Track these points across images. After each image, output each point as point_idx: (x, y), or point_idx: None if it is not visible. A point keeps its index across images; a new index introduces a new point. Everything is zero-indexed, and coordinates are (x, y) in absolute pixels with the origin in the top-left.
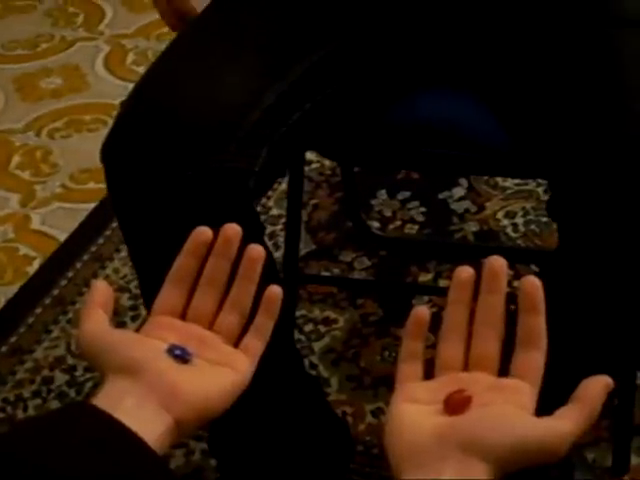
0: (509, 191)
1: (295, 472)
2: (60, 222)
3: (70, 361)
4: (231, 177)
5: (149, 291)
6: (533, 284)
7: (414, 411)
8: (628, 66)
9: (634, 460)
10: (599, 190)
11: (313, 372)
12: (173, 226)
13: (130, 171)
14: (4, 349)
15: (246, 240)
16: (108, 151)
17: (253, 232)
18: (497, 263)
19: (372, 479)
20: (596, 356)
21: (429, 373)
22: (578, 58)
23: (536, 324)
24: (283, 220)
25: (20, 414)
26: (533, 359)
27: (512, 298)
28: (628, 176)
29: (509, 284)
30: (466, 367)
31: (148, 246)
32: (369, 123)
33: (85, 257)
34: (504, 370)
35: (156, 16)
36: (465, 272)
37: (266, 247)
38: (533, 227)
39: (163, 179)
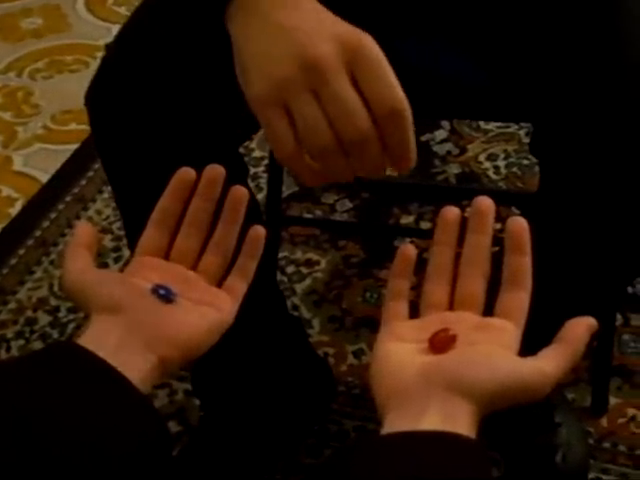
0: (491, 134)
1: (277, 412)
2: (42, 163)
3: (53, 302)
4: (216, 119)
5: (133, 232)
6: (520, 224)
7: (400, 349)
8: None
9: (612, 401)
10: (583, 125)
11: (295, 313)
12: (158, 168)
13: (115, 116)
14: None
15: (230, 182)
16: (93, 96)
17: (237, 174)
18: (485, 203)
19: (353, 419)
20: (578, 297)
21: (413, 315)
22: None
23: (522, 264)
24: (265, 162)
25: (3, 354)
26: (518, 299)
27: (494, 240)
28: (613, 110)
29: None
30: (451, 307)
31: (132, 188)
32: None
33: (67, 198)
34: (488, 312)
35: None
36: (451, 212)
37: (249, 189)
38: (515, 169)
39: (148, 122)
